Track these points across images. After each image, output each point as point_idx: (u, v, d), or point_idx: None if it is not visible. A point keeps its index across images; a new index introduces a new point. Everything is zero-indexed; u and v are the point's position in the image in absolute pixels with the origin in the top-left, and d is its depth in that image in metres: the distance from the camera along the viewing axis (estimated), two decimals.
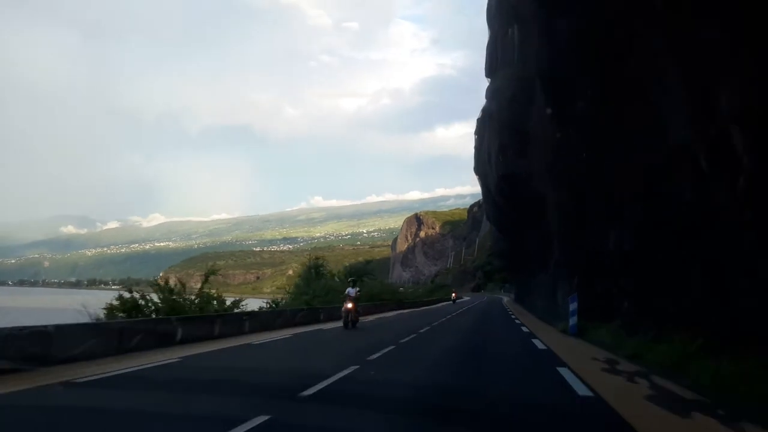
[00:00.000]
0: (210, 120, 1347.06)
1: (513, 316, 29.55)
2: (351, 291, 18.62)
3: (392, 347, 12.09)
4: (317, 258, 41.57)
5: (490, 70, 34.97)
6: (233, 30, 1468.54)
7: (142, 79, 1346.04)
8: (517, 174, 25.31)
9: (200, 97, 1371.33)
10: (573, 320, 16.93)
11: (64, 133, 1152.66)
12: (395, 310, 37.46)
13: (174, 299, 15.64)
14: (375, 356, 10.27)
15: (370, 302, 33.62)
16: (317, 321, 21.48)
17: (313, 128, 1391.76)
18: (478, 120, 38.54)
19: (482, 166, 36.40)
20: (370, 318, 26.85)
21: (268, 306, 23.71)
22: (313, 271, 37.22)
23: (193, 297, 16.67)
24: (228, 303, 18.57)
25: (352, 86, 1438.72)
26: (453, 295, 63.90)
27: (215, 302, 17.20)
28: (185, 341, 12.36)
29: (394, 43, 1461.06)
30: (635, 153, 11.67)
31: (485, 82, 37.01)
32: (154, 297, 16.13)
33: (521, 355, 11.88)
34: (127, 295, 15.55)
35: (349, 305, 17.89)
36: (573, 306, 16.93)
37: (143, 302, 15.51)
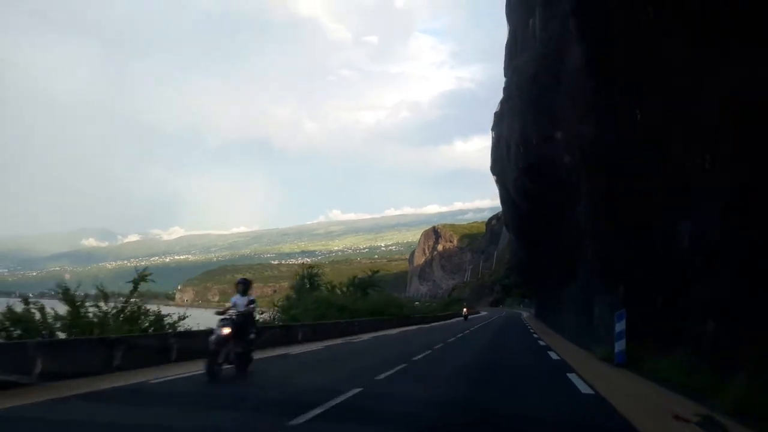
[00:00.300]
0: (229, 134, 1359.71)
1: (535, 336, 25.10)
2: (238, 301, 10.05)
3: (359, 389, 7.92)
4: (311, 267, 37.59)
5: (509, 68, 31.14)
6: (253, 45, 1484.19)
7: (163, 93, 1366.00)
8: (539, 164, 21.10)
9: (220, 111, 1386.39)
10: (620, 345, 12.52)
11: (86, 147, 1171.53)
12: (401, 326, 33.10)
13: (78, 312, 11.63)
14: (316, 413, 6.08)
15: (371, 317, 29.41)
16: (292, 342, 17.34)
17: (332, 141, 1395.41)
18: (495, 114, 34.16)
19: (500, 164, 31.94)
20: (365, 337, 22.61)
21: None
22: (306, 281, 33.19)
23: (114, 309, 12.62)
24: (173, 318, 14.48)
25: (371, 99, 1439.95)
26: (464, 310, 53.88)
27: (144, 317, 13.12)
28: (52, 376, 8.30)
29: (413, 56, 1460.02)
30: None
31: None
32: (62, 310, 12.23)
33: (560, 411, 7.45)
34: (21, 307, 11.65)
35: (224, 331, 9.29)
36: (620, 326, 12.50)
37: (39, 316, 11.58)
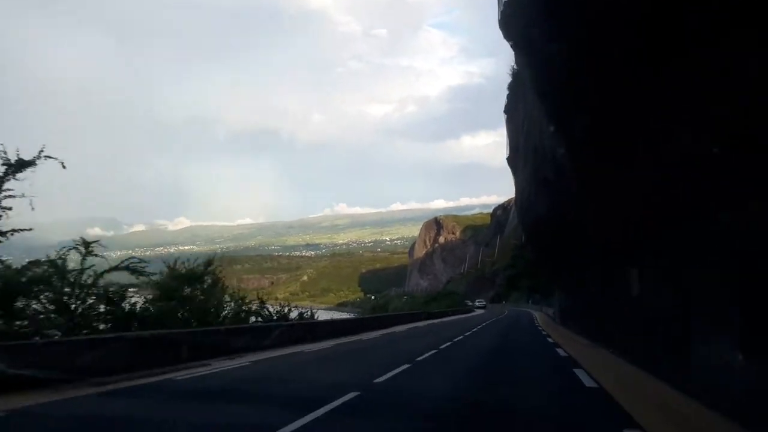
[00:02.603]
0: (237, 125, 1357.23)
1: None
2: None
3: None
4: None
5: None
6: (262, 37, 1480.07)
7: (172, 84, 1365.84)
8: None
9: (228, 102, 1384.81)
10: None
11: (93, 137, 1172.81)
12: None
13: None
14: None
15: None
16: None
17: (339, 134, 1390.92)
18: None
19: None
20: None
21: None
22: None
23: None
24: None
25: (379, 93, 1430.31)
26: None
27: None
28: None
29: (423, 50, 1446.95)
30: None
31: None
32: None
33: None
34: None
35: None
36: None
37: None
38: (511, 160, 23.43)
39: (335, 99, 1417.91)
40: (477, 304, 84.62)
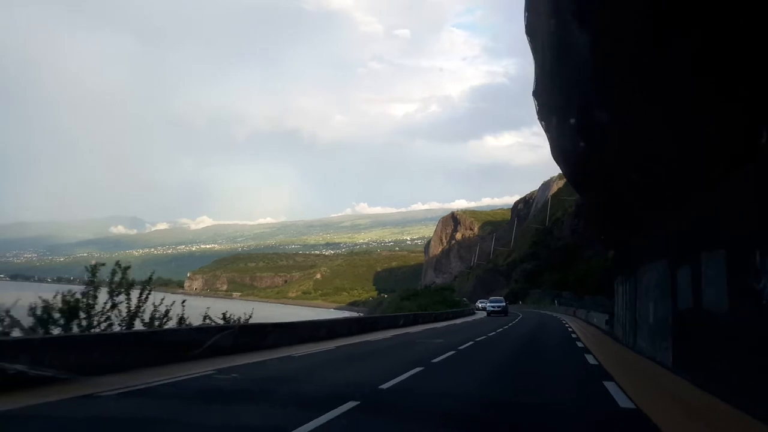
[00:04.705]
0: (259, 125, 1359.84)
1: None
2: None
3: None
4: None
5: None
6: (283, 37, 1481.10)
7: (196, 84, 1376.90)
8: None
9: (250, 102, 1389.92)
10: None
11: (117, 136, 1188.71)
12: None
13: None
14: None
15: None
16: None
17: (361, 134, 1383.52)
18: None
19: None
20: None
21: None
22: None
23: None
24: None
25: (401, 93, 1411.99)
26: None
27: None
28: None
29: (445, 50, 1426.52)
30: None
31: None
32: None
33: None
34: None
35: None
36: None
37: None
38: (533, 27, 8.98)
39: (357, 99, 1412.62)
40: (489, 306, 52.19)
